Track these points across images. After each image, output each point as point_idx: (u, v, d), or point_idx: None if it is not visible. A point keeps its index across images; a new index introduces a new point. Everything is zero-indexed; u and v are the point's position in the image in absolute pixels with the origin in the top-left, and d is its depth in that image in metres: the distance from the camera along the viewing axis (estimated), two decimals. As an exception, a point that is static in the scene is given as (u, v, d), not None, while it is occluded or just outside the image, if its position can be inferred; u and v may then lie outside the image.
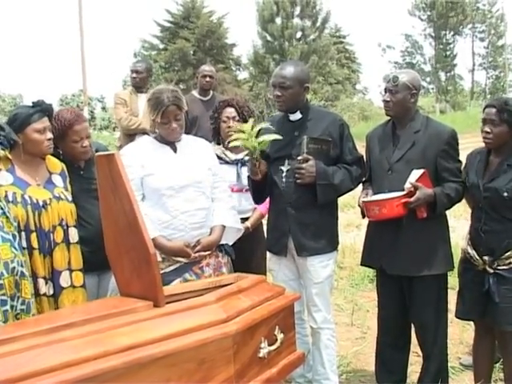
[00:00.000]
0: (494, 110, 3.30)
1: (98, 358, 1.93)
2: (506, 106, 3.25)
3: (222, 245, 3.43)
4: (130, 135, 6.04)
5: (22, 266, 2.83)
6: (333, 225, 3.63)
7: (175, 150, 3.35)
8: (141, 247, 2.31)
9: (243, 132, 3.21)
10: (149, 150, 3.33)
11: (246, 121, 3.99)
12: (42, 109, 3.15)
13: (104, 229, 2.55)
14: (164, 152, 3.33)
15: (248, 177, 3.58)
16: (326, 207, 3.50)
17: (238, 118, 4.00)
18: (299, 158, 3.38)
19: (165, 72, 35.46)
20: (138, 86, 6.33)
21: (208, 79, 6.33)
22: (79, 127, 3.39)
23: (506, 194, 3.25)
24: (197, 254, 3.25)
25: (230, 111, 4.03)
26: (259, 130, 3.25)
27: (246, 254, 3.68)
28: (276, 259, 3.65)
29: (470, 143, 6.04)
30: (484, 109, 3.40)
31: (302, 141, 3.41)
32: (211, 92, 6.44)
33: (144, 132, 5.65)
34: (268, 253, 3.80)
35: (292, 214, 3.47)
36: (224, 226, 3.40)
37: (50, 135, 3.16)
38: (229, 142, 4.03)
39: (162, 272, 3.11)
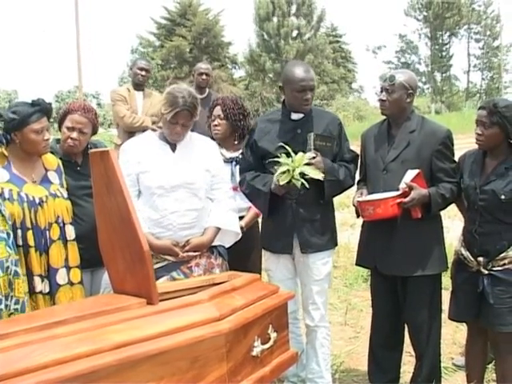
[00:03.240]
0: (484, 112, 3.29)
1: (91, 355, 1.92)
2: (496, 109, 3.24)
3: (215, 246, 3.41)
4: (130, 133, 5.98)
5: (15, 265, 2.83)
6: (333, 222, 3.66)
7: (174, 150, 3.34)
8: (135, 244, 2.31)
9: (287, 167, 3.23)
10: (148, 146, 3.33)
11: (230, 119, 3.99)
12: (41, 108, 3.12)
13: (98, 226, 2.54)
14: (162, 150, 3.32)
15: (263, 190, 3.50)
16: (327, 204, 3.54)
17: (222, 116, 3.99)
18: (308, 154, 3.38)
19: (161, 69, 35.49)
20: (141, 83, 6.22)
21: (204, 77, 6.34)
22: (75, 117, 3.40)
23: (503, 197, 3.24)
24: (185, 254, 3.24)
25: (217, 109, 4.05)
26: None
27: (241, 254, 3.66)
28: (274, 258, 3.63)
29: (465, 144, 6.05)
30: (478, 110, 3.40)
31: (308, 137, 3.43)
32: (207, 90, 6.43)
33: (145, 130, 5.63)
34: (266, 252, 3.75)
35: (298, 211, 3.47)
36: (218, 228, 3.38)
37: (47, 135, 3.15)
38: (217, 141, 4.05)
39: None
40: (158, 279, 3.08)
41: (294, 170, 3.21)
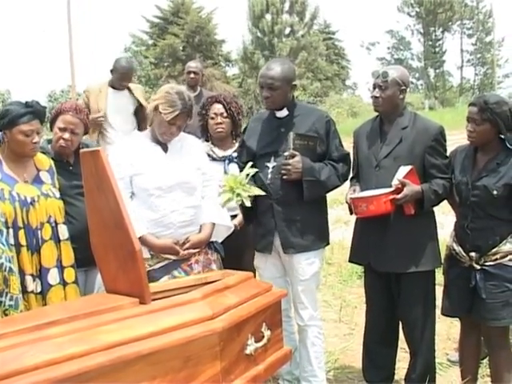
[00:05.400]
0: (475, 109, 3.29)
1: (84, 355, 1.92)
2: (487, 105, 3.24)
3: (212, 242, 3.42)
4: (96, 132, 5.61)
5: (9, 261, 2.82)
6: (321, 221, 3.61)
7: (166, 150, 3.33)
8: (126, 244, 2.30)
9: (231, 188, 3.26)
10: (139, 148, 3.32)
11: (233, 117, 3.99)
12: (33, 110, 3.09)
13: (89, 225, 2.53)
14: (154, 151, 3.31)
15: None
16: (313, 204, 3.49)
17: (225, 114, 3.98)
18: (286, 154, 3.38)
19: (154, 68, 35.48)
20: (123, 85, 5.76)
21: (192, 75, 6.25)
22: (67, 117, 3.38)
23: (495, 192, 3.25)
24: (185, 252, 3.24)
25: (218, 107, 4.01)
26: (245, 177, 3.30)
27: (236, 252, 3.65)
28: (262, 256, 3.63)
29: (458, 139, 6.04)
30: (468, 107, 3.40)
31: (288, 137, 3.41)
32: (198, 88, 6.37)
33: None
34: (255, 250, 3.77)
35: (278, 211, 3.46)
36: (214, 224, 3.39)
37: (36, 139, 3.10)
38: (215, 139, 4.04)
39: (150, 269, 3.13)
40: (159, 279, 3.12)
41: (234, 190, 3.26)
